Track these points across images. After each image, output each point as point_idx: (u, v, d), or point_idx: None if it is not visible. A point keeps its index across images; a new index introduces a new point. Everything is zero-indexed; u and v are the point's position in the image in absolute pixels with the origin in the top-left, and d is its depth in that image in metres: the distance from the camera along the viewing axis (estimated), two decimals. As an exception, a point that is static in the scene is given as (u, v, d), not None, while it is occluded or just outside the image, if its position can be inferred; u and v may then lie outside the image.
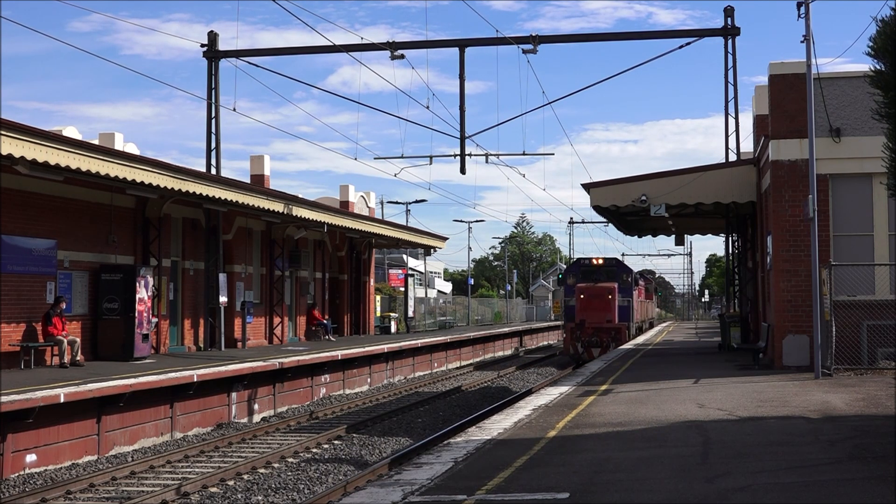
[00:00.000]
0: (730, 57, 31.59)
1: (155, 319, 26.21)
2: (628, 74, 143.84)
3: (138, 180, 22.05)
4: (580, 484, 8.89)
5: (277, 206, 29.30)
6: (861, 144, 20.61)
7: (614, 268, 41.46)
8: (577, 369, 26.07)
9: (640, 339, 49.36)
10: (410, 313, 53.08)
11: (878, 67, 12.24)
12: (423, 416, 24.25)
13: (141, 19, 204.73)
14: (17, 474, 16.30)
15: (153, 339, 26.26)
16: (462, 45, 32.81)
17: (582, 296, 39.12)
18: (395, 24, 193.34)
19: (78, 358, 22.57)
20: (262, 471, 16.74)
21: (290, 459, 17.88)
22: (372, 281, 46.84)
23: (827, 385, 17.25)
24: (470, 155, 33.38)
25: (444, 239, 50.96)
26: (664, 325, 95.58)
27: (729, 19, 31.73)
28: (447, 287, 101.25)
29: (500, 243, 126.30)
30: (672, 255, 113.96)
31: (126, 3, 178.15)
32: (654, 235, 40.34)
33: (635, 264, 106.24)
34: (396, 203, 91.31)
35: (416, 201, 75.61)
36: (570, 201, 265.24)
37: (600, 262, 41.52)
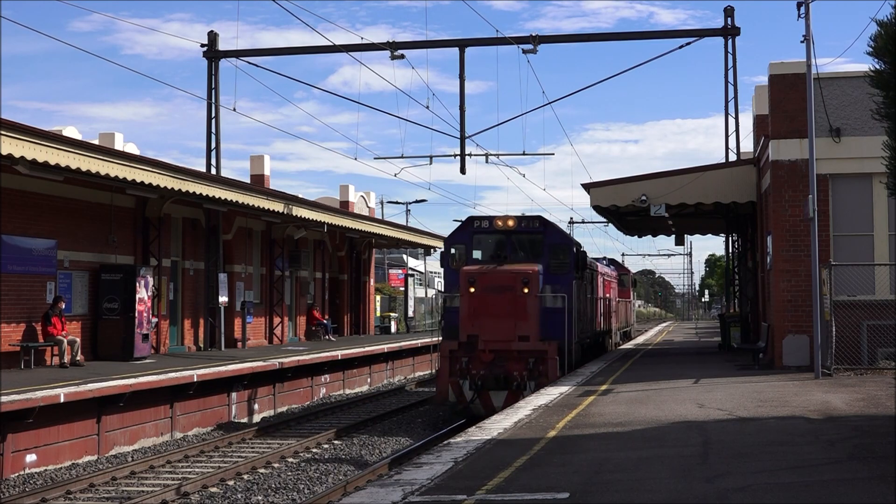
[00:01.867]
0: (730, 57, 31.58)
1: (155, 319, 26.21)
2: (629, 74, 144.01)
3: (138, 180, 22.04)
4: (580, 484, 8.88)
5: (277, 206, 29.30)
6: (861, 144, 20.61)
7: (539, 235, 23.07)
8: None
9: (640, 339, 49.26)
10: (410, 313, 53.08)
11: (879, 67, 12.23)
12: (423, 416, 24.24)
13: (141, 19, 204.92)
14: (17, 474, 16.30)
15: (153, 339, 26.26)
16: (462, 45, 32.79)
17: (472, 289, 21.52)
18: (395, 24, 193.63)
19: (78, 358, 22.57)
20: (262, 471, 16.74)
21: (290, 459, 17.87)
22: (372, 281, 46.83)
23: (827, 385, 17.24)
24: (470, 155, 33.36)
25: (445, 239, 50.87)
26: (664, 325, 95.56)
27: (729, 19, 31.72)
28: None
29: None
30: (672, 255, 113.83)
31: (127, 3, 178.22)
32: (654, 235, 40.28)
33: (635, 264, 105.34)
34: (396, 203, 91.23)
35: (416, 201, 75.71)
36: (570, 201, 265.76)
37: (510, 223, 23.00)
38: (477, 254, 23.42)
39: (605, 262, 37.03)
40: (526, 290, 21.53)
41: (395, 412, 24.74)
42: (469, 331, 21.52)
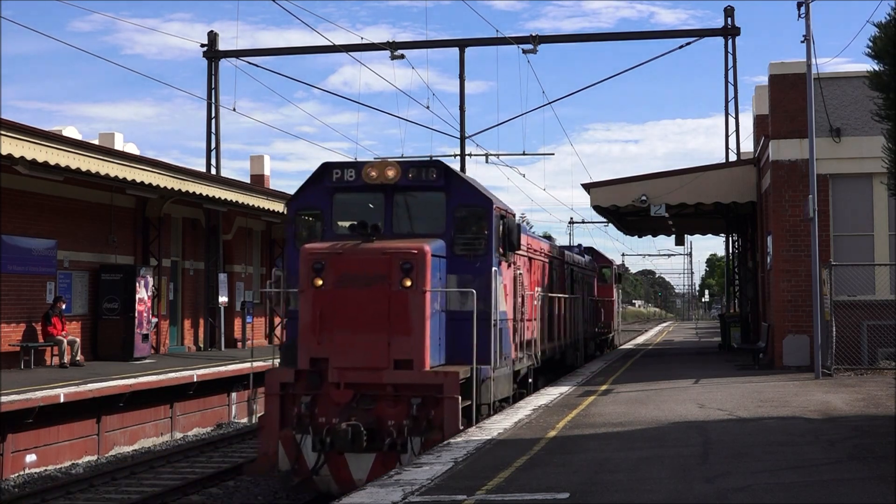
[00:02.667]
0: (730, 57, 31.61)
1: (155, 319, 26.22)
2: (629, 74, 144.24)
3: (138, 180, 22.06)
4: (580, 484, 8.88)
5: (277, 206, 29.31)
6: (861, 144, 20.60)
7: (437, 192, 14.78)
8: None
9: (640, 340, 49.21)
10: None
11: (878, 69, 12.23)
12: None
13: (142, 19, 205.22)
14: (17, 474, 16.30)
15: (153, 339, 26.26)
16: (462, 45, 32.83)
17: (319, 282, 13.54)
18: (395, 24, 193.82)
19: (78, 358, 22.57)
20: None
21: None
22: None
23: (827, 385, 17.24)
24: (470, 155, 33.42)
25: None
26: (664, 325, 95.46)
27: (729, 19, 31.75)
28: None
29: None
30: (672, 255, 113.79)
31: (127, 3, 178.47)
32: (654, 235, 40.28)
33: (635, 264, 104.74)
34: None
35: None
36: (570, 201, 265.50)
37: (390, 174, 14.49)
38: (342, 224, 15.00)
39: (577, 249, 30.15)
40: (408, 283, 13.35)
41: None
42: (313, 352, 13.39)
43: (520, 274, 16.72)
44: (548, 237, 24.30)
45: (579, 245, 33.59)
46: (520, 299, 16.79)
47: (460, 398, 13.26)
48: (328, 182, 14.79)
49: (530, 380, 17.96)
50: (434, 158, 14.65)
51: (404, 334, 13.29)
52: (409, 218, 14.79)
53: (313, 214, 15.05)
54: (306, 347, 13.45)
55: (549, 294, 20.77)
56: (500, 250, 15.01)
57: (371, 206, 14.74)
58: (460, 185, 14.78)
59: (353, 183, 14.68)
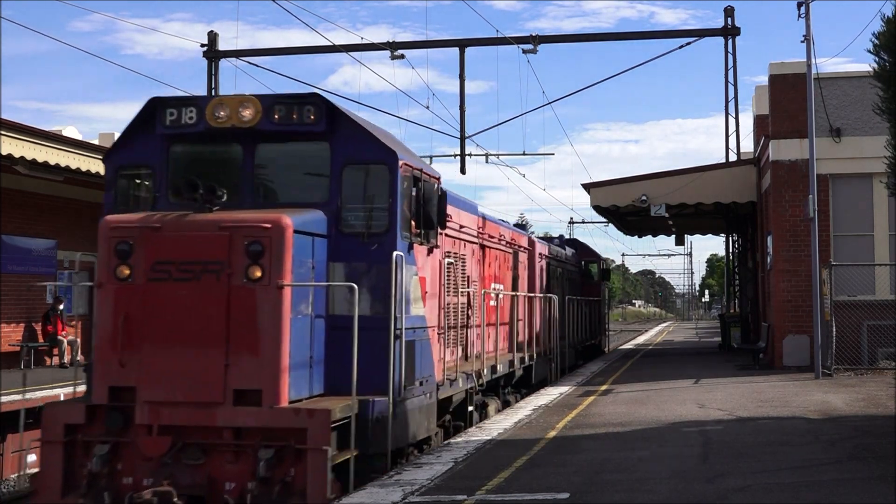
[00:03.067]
0: (730, 57, 31.59)
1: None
2: (629, 74, 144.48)
3: (138, 180, 22.06)
4: (580, 484, 8.88)
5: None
6: (861, 144, 20.62)
7: (318, 143, 10.47)
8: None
9: (640, 340, 49.24)
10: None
11: (882, 62, 12.22)
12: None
13: (142, 19, 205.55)
14: (17, 475, 16.31)
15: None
16: (462, 45, 32.81)
17: (125, 271, 9.40)
18: (395, 24, 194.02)
19: (78, 358, 22.56)
20: (262, 471, 16.70)
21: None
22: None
23: (827, 385, 17.25)
24: (470, 155, 33.40)
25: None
26: (664, 325, 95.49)
27: (729, 19, 31.74)
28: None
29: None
30: (672, 255, 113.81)
31: (127, 3, 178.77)
32: (654, 235, 40.31)
33: (635, 264, 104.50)
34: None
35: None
36: (571, 201, 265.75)
37: (247, 114, 10.24)
38: (166, 183, 10.80)
39: (557, 241, 26.73)
40: (257, 273, 9.34)
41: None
42: (114, 378, 9.48)
43: (451, 263, 12.76)
44: (521, 226, 20.76)
45: (560, 236, 29.07)
46: (458, 298, 13.27)
47: (329, 450, 9.03)
48: (161, 127, 10.59)
49: (471, 407, 13.90)
50: (313, 93, 10.69)
51: (250, 352, 9.23)
52: (277, 179, 10.77)
53: (141, 174, 10.96)
54: (104, 371, 9.47)
55: (513, 293, 17.37)
56: (413, 228, 10.93)
57: (206, 159, 10.82)
58: (350, 130, 10.54)
59: (195, 128, 10.46)
